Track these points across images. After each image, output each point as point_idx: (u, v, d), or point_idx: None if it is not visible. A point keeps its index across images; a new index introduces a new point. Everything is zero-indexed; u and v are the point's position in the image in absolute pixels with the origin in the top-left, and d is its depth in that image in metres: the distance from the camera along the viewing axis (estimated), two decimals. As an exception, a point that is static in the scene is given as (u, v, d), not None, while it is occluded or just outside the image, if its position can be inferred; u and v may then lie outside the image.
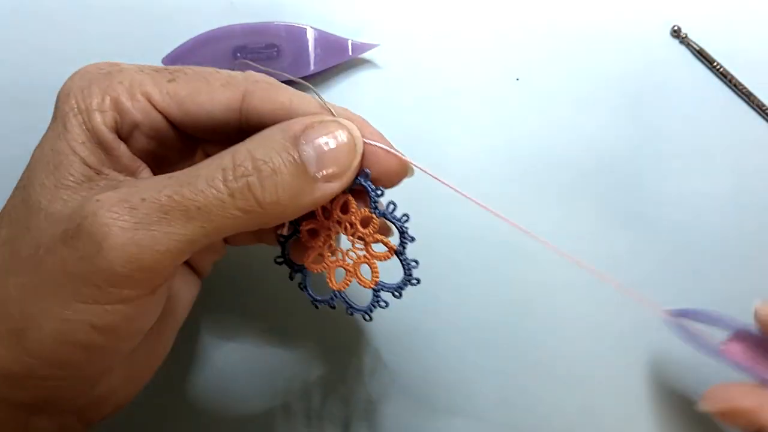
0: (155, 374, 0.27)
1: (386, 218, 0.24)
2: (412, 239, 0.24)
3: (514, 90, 0.35)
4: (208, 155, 0.26)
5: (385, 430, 0.34)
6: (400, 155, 0.24)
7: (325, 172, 0.22)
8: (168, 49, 0.34)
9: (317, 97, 0.24)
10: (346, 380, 0.34)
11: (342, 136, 0.22)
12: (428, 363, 0.34)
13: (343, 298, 0.25)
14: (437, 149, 0.35)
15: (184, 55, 0.34)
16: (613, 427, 0.34)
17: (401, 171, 0.25)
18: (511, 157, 0.35)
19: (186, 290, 0.28)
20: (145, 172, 0.24)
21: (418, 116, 0.35)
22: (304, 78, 0.34)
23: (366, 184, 0.23)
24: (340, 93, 0.35)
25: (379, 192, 0.24)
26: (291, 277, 0.26)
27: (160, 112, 0.23)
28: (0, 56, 0.35)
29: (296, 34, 0.34)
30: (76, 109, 0.22)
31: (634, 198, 0.34)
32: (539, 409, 0.34)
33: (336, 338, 0.34)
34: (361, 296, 0.26)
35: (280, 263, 0.26)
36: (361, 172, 0.23)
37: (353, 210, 0.24)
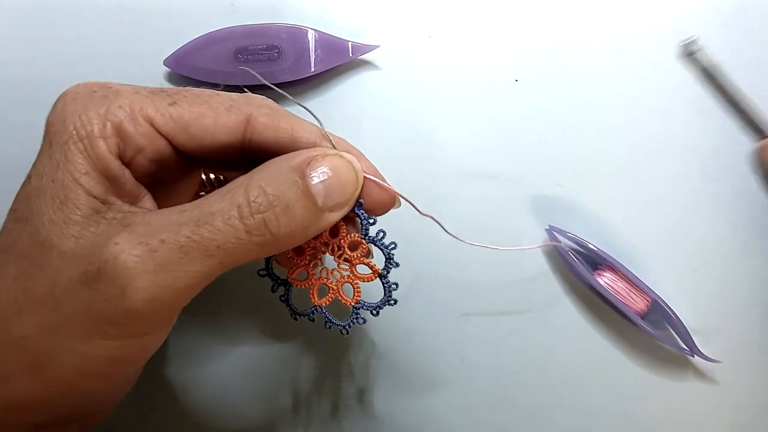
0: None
1: (375, 244, 0.26)
2: (397, 265, 0.26)
3: (513, 91, 0.35)
4: (206, 174, 0.27)
5: (373, 419, 0.34)
6: (392, 189, 0.25)
7: (330, 203, 0.23)
8: (170, 50, 0.34)
9: (318, 125, 0.25)
10: (336, 372, 0.34)
11: (346, 169, 0.23)
12: (417, 352, 0.34)
13: (324, 313, 0.27)
14: (437, 149, 0.35)
15: (185, 57, 0.34)
16: (609, 426, 0.34)
17: (390, 202, 0.26)
18: (510, 158, 0.35)
19: None
20: (147, 198, 0.24)
21: (417, 117, 0.35)
22: (304, 79, 0.34)
23: (360, 213, 0.25)
24: (341, 94, 0.35)
25: (372, 221, 0.25)
26: (273, 290, 0.27)
27: (163, 136, 0.23)
28: (1, 55, 0.35)
29: (297, 35, 0.34)
30: (75, 137, 0.22)
31: (634, 198, 0.35)
32: (533, 397, 0.34)
33: (325, 332, 0.34)
34: (336, 310, 0.27)
35: (263, 276, 0.27)
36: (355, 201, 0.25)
37: (343, 234, 0.25)
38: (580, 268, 0.33)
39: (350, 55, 0.34)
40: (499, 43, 0.35)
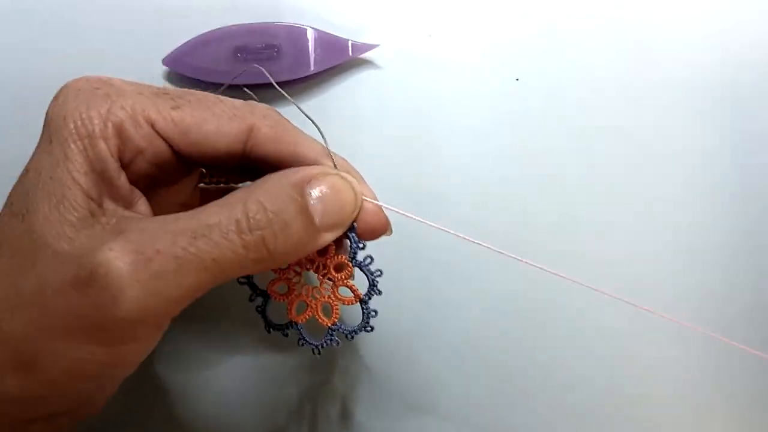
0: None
1: (362, 269, 0.26)
2: (380, 292, 0.26)
3: (514, 90, 0.35)
4: (203, 175, 0.27)
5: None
6: (386, 216, 0.25)
7: (327, 223, 0.22)
8: (168, 48, 0.34)
9: (323, 142, 0.25)
10: (329, 382, 0.34)
11: (346, 190, 0.23)
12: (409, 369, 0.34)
13: (299, 330, 0.27)
14: (437, 149, 0.35)
15: (184, 55, 0.34)
16: None
17: (383, 229, 0.26)
18: (512, 158, 0.35)
19: None
20: (142, 201, 0.24)
21: (417, 116, 0.35)
22: (303, 78, 0.34)
23: (351, 236, 0.25)
24: (340, 93, 0.35)
25: (361, 245, 0.25)
26: (251, 299, 0.27)
27: (164, 139, 0.23)
28: None
29: (296, 34, 0.34)
30: (75, 135, 0.21)
31: (636, 199, 0.34)
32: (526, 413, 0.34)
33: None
34: (313, 328, 0.27)
35: (243, 284, 0.27)
36: None
37: (331, 254, 0.25)
38: None
39: (350, 54, 0.34)
40: (499, 42, 0.35)
